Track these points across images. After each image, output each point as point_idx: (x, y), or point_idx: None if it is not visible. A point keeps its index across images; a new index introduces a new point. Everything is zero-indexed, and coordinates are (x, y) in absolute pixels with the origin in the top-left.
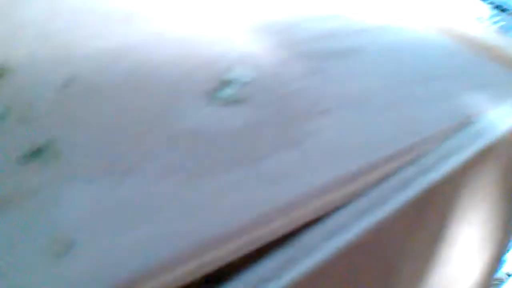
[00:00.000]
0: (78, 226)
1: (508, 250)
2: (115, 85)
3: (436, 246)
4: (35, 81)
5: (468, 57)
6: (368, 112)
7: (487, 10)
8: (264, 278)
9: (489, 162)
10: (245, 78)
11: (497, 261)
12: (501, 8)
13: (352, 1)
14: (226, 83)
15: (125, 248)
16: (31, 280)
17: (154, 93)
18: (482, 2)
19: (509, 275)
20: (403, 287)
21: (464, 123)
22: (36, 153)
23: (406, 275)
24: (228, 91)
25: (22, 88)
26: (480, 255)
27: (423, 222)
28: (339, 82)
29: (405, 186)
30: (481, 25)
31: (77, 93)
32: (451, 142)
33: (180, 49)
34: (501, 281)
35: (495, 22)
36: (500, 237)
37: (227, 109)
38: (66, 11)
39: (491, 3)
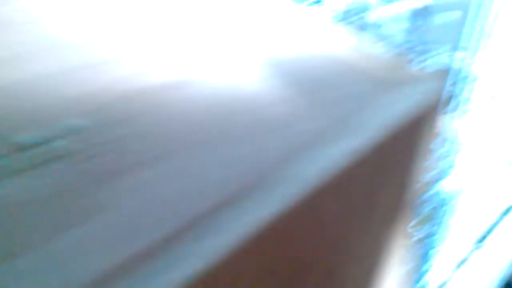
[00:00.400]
0: None
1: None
2: None
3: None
4: None
5: (325, 70)
6: (199, 156)
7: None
8: None
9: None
10: (49, 132)
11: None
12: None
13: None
14: (20, 147)
15: None
16: None
17: None
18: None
19: None
20: None
21: (316, 141)
22: None
23: None
24: (19, 157)
25: None
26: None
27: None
28: (169, 122)
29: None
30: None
31: None
32: (298, 166)
33: None
34: None
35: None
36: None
37: (14, 181)
38: None
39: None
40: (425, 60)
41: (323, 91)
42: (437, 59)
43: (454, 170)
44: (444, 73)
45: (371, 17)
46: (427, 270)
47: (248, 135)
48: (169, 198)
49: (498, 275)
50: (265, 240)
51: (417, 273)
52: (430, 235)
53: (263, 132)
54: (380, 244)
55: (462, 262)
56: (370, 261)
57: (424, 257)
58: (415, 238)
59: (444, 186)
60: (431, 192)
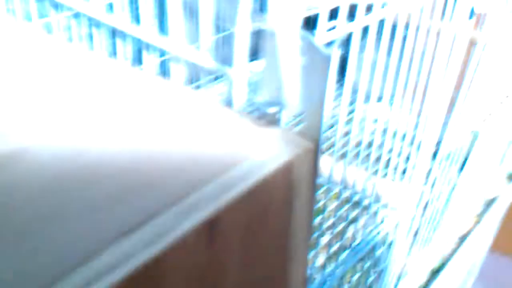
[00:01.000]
0: None
1: None
2: None
3: None
4: None
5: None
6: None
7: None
8: None
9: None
10: None
11: None
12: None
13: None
14: None
15: None
16: None
17: None
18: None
19: None
20: None
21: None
22: None
23: None
24: None
25: None
26: None
27: None
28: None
29: None
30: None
31: None
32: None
33: None
34: None
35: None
36: None
37: None
38: None
39: None
40: (292, 117)
41: (172, 160)
42: (305, 116)
43: (389, 235)
44: (315, 130)
45: (230, 75)
46: None
47: (76, 214)
48: None
49: None
50: None
51: None
52: None
53: (91, 211)
54: None
55: None
56: None
57: None
58: None
59: (379, 249)
60: (368, 256)
